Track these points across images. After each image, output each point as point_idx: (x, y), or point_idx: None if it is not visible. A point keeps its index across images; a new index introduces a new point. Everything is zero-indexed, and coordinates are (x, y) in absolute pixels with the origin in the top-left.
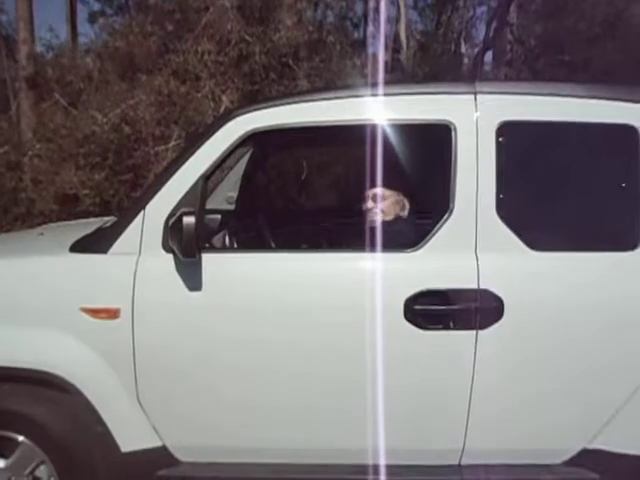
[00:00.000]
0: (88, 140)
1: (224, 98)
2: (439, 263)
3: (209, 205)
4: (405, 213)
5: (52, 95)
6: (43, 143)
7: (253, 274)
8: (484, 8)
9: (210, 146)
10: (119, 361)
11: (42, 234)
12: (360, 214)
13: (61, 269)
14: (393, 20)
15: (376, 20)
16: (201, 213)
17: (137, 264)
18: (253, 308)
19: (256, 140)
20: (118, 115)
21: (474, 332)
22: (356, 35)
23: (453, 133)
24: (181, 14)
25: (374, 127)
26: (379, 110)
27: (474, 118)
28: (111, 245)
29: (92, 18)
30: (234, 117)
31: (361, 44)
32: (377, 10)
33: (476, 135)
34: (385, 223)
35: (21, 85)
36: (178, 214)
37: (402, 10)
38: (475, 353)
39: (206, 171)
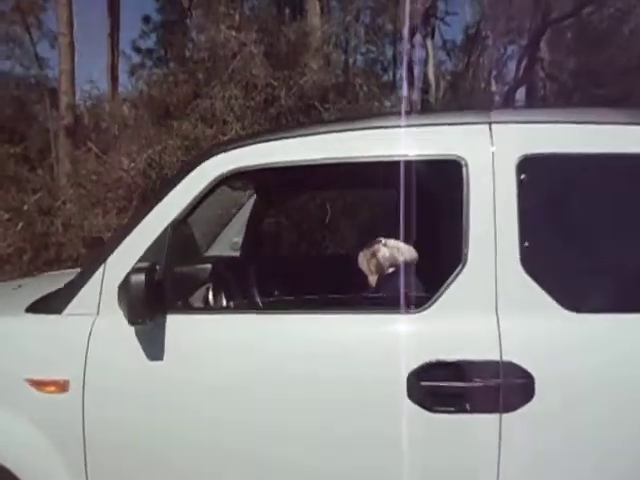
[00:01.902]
0: (116, 185)
1: None
2: (450, 327)
3: (213, 252)
4: (402, 259)
5: (86, 142)
6: (75, 189)
7: (222, 340)
8: (514, 46)
9: (182, 189)
10: (66, 440)
11: (19, 287)
12: (356, 266)
13: (6, 333)
14: (422, 62)
15: (404, 63)
16: (168, 267)
17: (92, 327)
18: (219, 382)
19: (256, 180)
20: (144, 160)
21: (497, 416)
22: (385, 78)
23: (464, 170)
24: (211, 62)
25: (369, 166)
26: (376, 145)
27: (489, 152)
28: (67, 304)
29: (133, 70)
30: (211, 156)
31: (390, 86)
32: (406, 53)
33: (492, 172)
34: (384, 278)
35: (60, 133)
36: (128, 271)
37: (430, 52)
38: (499, 443)
39: (176, 218)
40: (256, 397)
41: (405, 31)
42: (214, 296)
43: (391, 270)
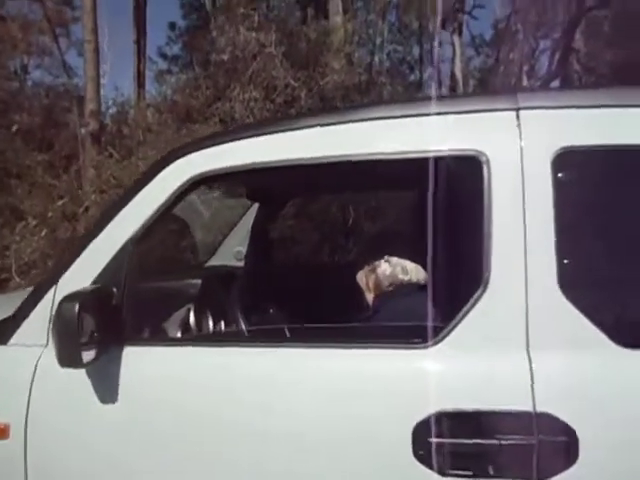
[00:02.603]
0: None
1: None
2: (467, 367)
3: (215, 261)
4: (406, 278)
5: (112, 148)
6: (97, 194)
7: (181, 378)
8: (546, 40)
9: (142, 200)
10: None
11: None
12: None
13: None
14: (449, 59)
15: (431, 60)
16: (129, 289)
17: (38, 360)
18: (176, 429)
19: (241, 185)
20: None
21: None
22: (412, 77)
23: (485, 168)
24: (231, 64)
25: (368, 165)
26: (376, 140)
27: (517, 145)
28: (12, 333)
29: (158, 76)
30: (174, 159)
31: (416, 85)
32: (433, 51)
33: (521, 170)
34: (382, 298)
35: (85, 140)
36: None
37: (458, 48)
38: None
39: (137, 232)
40: (225, 451)
41: (432, 28)
42: (197, 319)
43: (390, 289)
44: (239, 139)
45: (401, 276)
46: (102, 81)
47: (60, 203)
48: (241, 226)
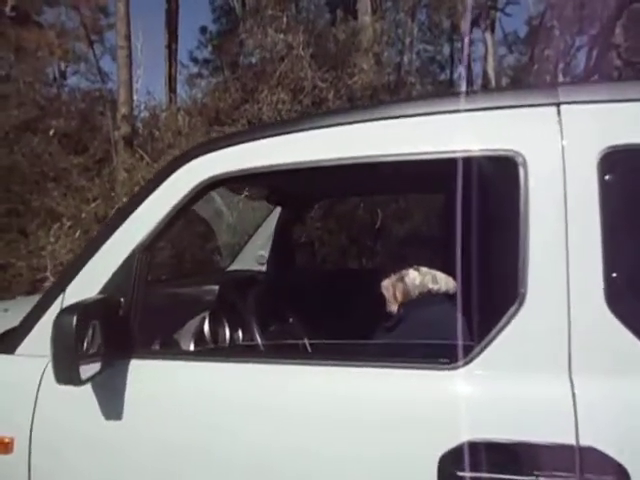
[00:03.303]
0: None
1: None
2: (500, 392)
3: (237, 265)
4: (436, 287)
5: (143, 151)
6: (129, 196)
7: (185, 394)
8: (583, 35)
9: (152, 204)
10: None
11: (6, 310)
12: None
13: None
14: (481, 57)
15: (462, 59)
16: (138, 298)
17: (44, 371)
18: (184, 445)
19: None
20: None
21: None
22: (443, 76)
23: (522, 170)
24: (259, 66)
25: (392, 166)
26: (402, 139)
27: (558, 144)
28: (20, 341)
29: (189, 80)
30: (187, 161)
31: (447, 84)
32: (464, 49)
33: (562, 173)
34: (408, 308)
35: (118, 143)
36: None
37: (490, 46)
38: None
39: (147, 238)
40: (234, 464)
41: (463, 25)
42: (212, 329)
43: (418, 298)
44: (256, 139)
45: (431, 285)
46: (135, 86)
47: (93, 205)
48: (264, 229)
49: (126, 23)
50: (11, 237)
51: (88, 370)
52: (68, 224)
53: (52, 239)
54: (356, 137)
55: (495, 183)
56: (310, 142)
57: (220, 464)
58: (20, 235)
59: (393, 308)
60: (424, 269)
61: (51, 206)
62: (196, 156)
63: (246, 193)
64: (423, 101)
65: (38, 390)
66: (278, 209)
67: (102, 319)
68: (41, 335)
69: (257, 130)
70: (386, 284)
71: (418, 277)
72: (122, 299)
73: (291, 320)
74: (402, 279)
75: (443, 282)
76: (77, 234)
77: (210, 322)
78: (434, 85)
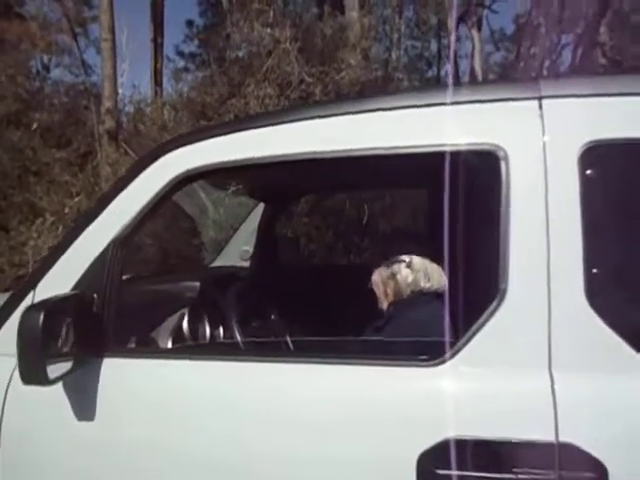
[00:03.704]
0: None
1: None
2: (480, 388)
3: (221, 261)
4: (428, 285)
5: (128, 145)
6: None
7: (159, 392)
8: (569, 34)
9: (126, 198)
10: None
11: None
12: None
13: None
14: (468, 54)
15: (449, 56)
16: (112, 295)
17: (13, 372)
18: (159, 445)
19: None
20: None
21: None
22: (430, 73)
23: (503, 165)
24: (246, 61)
25: (371, 160)
26: (379, 133)
27: (540, 139)
28: None
29: (175, 74)
30: (162, 154)
31: (434, 81)
32: (451, 46)
33: (544, 167)
34: (399, 306)
35: (102, 137)
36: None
37: (477, 45)
38: None
39: (121, 233)
40: (211, 463)
41: (450, 22)
42: (191, 326)
43: (410, 298)
44: (234, 132)
45: (423, 283)
46: (120, 79)
47: (76, 200)
48: (248, 224)
49: (110, 15)
50: None
51: (57, 369)
52: (51, 219)
53: (34, 234)
54: (336, 130)
55: (476, 177)
56: (288, 135)
57: (197, 463)
58: (1, 231)
59: (383, 305)
60: (416, 264)
61: (33, 201)
62: (172, 149)
63: (233, 188)
64: (404, 94)
65: (7, 389)
66: (262, 204)
67: (74, 316)
68: (10, 334)
69: (234, 123)
70: (377, 280)
71: (410, 275)
72: (95, 295)
73: (273, 317)
74: (394, 276)
75: (435, 279)
76: (60, 229)
77: (189, 319)
78: (421, 81)
